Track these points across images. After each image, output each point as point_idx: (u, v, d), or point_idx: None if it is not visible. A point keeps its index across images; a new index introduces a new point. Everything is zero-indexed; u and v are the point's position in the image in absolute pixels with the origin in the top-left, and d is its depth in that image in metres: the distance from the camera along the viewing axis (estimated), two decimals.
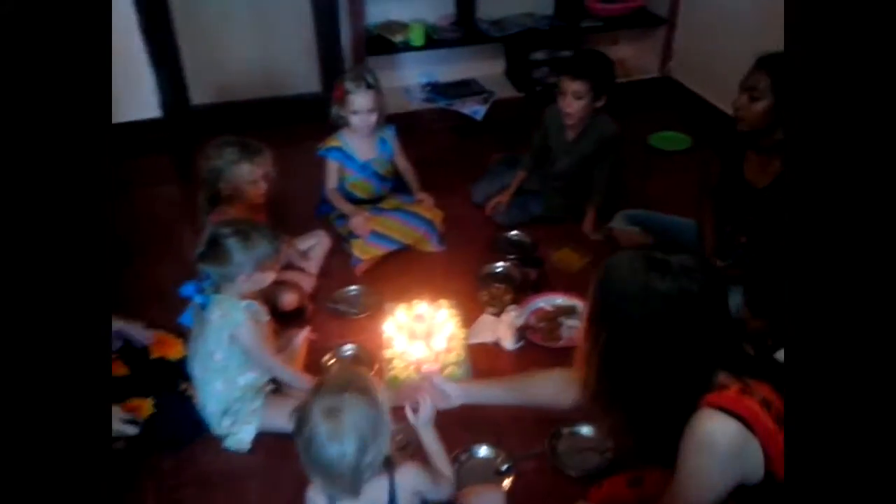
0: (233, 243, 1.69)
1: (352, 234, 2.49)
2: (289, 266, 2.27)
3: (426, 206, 2.60)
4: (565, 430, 1.79)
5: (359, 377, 1.32)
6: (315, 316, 2.24)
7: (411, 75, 3.55)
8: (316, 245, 2.44)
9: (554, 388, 1.55)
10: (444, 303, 2.19)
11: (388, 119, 2.59)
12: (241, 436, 1.79)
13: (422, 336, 2.05)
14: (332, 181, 2.57)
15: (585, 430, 1.79)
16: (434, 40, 3.32)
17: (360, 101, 2.41)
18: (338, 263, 2.48)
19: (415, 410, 1.50)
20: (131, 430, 1.67)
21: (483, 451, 1.76)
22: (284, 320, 2.12)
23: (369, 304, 2.29)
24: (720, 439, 1.08)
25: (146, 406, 1.80)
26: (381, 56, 3.24)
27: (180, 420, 1.80)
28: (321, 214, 2.69)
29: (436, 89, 3.49)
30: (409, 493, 1.36)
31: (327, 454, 1.21)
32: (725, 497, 1.14)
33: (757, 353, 1.26)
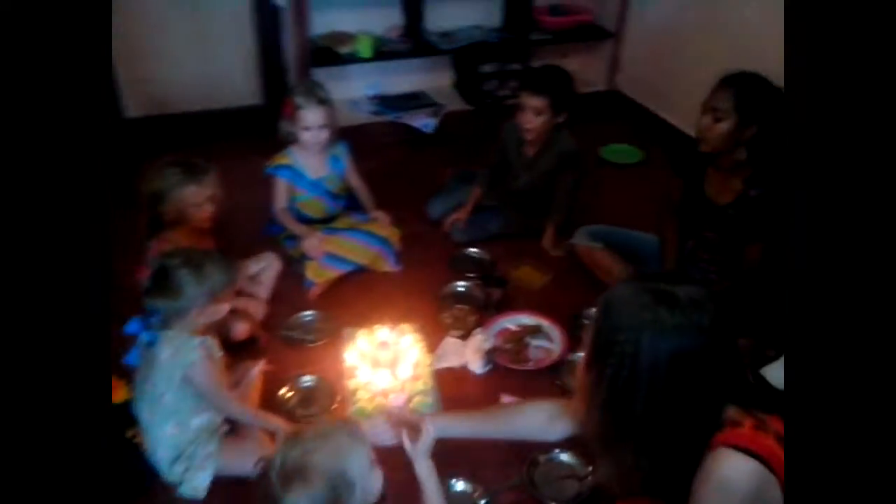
0: (184, 275, 1.56)
1: (304, 256, 2.36)
2: (237, 292, 2.13)
3: (382, 225, 2.50)
4: (542, 458, 1.73)
5: (338, 438, 1.22)
6: (268, 345, 2.11)
7: (357, 87, 3.45)
8: (266, 268, 2.30)
9: (542, 420, 1.48)
10: (406, 327, 2.10)
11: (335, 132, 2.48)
12: (195, 483, 1.64)
13: (386, 364, 1.94)
14: (281, 201, 2.44)
15: (564, 456, 1.73)
16: (382, 52, 3.24)
17: (310, 118, 2.30)
18: (289, 287, 2.34)
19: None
20: None
21: (460, 485, 1.68)
22: (236, 351, 1.97)
23: (326, 331, 2.17)
24: (740, 481, 1.04)
25: None
26: (326, 67, 3.12)
27: (128, 470, 1.64)
28: (269, 234, 2.55)
29: (384, 102, 3.40)
30: None
31: None
32: None
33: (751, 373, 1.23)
